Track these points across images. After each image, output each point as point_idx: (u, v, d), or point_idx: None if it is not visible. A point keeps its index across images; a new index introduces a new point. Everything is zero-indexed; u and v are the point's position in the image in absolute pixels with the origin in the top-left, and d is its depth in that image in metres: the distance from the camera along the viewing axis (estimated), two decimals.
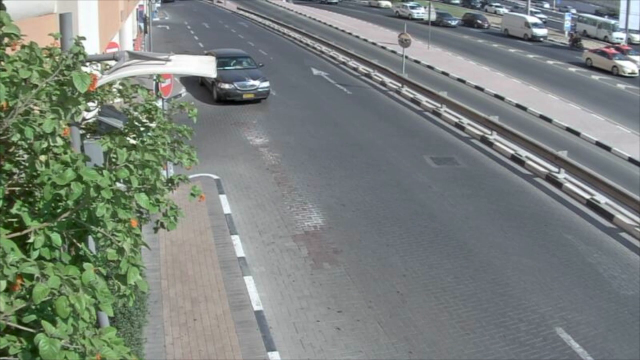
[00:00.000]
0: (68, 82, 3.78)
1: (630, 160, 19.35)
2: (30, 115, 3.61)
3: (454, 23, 55.52)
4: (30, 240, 3.48)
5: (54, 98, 3.74)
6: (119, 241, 3.81)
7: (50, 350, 3.02)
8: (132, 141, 5.50)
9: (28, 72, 3.60)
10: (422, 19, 58.12)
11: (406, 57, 30.51)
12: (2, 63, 3.65)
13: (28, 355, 3.15)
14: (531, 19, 51.32)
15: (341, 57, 34.34)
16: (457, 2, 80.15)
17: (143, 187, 4.04)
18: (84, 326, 3.23)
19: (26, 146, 3.77)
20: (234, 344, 9.20)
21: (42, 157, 3.66)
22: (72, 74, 3.73)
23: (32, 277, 3.15)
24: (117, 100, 5.94)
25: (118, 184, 3.88)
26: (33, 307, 3.19)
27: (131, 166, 3.92)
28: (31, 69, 3.62)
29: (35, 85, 3.64)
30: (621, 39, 48.03)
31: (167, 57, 5.26)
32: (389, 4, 74.21)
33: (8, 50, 3.76)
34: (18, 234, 3.53)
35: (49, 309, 3.19)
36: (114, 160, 4.01)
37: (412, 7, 64.45)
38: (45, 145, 3.62)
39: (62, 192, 3.48)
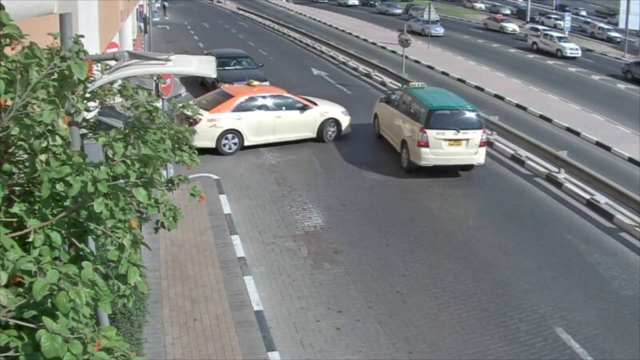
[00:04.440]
0: (64, 73, 3.79)
1: (630, 160, 19.34)
2: (29, 108, 3.62)
3: None
4: (30, 239, 3.48)
5: (50, 90, 3.75)
6: (118, 238, 3.80)
7: (52, 346, 3.02)
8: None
9: (27, 67, 3.60)
10: (575, 58, 39.94)
11: (406, 57, 30.52)
12: (2, 63, 3.66)
13: (29, 350, 3.15)
14: None
15: (341, 57, 34.34)
16: (508, 12, 70.75)
17: (141, 180, 4.02)
18: (85, 321, 3.23)
19: (26, 146, 3.77)
20: (234, 344, 9.20)
21: (42, 157, 3.66)
22: (70, 63, 3.75)
23: (31, 274, 3.16)
24: (118, 99, 5.93)
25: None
26: (31, 302, 3.19)
27: (128, 161, 3.91)
28: (29, 64, 3.62)
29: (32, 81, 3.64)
30: None
31: (167, 57, 5.25)
32: (517, 28, 54.71)
33: (8, 50, 3.76)
34: (18, 233, 3.53)
35: (49, 304, 3.19)
36: (110, 155, 4.01)
37: (560, 39, 42.73)
38: (44, 144, 3.63)
39: (61, 187, 3.48)
